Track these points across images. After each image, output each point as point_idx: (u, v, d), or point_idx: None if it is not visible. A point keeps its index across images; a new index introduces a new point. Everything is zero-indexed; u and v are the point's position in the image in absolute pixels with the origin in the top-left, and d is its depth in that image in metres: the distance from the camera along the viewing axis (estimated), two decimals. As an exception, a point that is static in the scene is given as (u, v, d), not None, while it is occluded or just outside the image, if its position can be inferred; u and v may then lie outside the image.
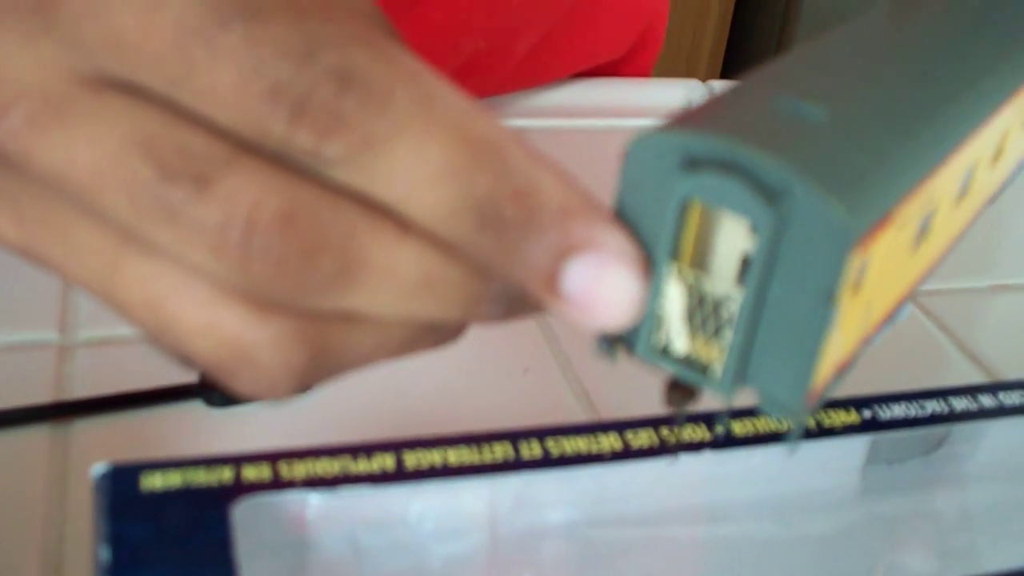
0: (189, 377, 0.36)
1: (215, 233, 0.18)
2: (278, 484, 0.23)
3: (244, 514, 0.22)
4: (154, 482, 0.23)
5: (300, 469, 0.23)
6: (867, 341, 0.19)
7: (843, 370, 0.18)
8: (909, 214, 0.18)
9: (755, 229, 0.16)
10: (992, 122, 0.20)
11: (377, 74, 0.17)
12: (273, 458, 0.23)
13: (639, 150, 0.17)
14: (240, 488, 0.23)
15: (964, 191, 0.20)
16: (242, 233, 0.18)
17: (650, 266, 0.18)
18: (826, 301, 0.16)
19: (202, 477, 0.23)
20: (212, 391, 0.36)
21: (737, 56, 2.35)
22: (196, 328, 0.19)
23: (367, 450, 0.24)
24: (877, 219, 0.17)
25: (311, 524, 0.23)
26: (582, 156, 0.55)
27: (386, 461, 0.23)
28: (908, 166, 0.18)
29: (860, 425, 0.28)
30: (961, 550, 0.28)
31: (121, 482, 0.23)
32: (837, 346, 0.17)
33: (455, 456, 0.24)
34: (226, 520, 0.22)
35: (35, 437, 0.35)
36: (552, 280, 0.17)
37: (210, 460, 0.23)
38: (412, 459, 0.24)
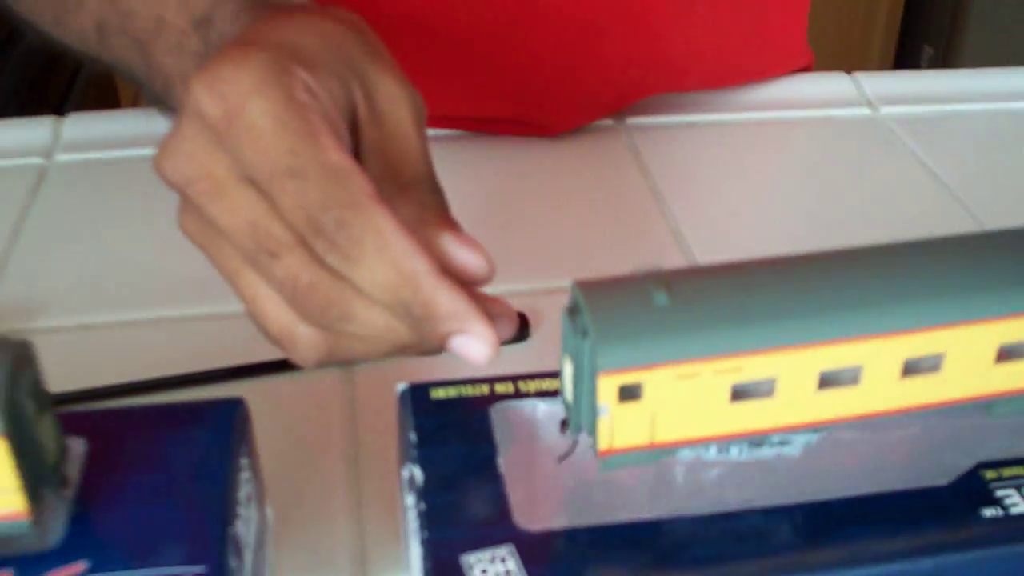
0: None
1: (277, 283, 0.34)
2: (518, 395, 0.35)
3: (495, 415, 0.35)
4: (439, 393, 0.35)
5: (532, 385, 0.35)
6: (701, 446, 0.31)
7: (655, 450, 0.31)
8: (695, 371, 0.29)
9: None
10: (863, 342, 0.30)
11: (358, 226, 0.32)
12: (515, 378, 0.35)
13: (571, 290, 0.30)
14: (493, 398, 0.35)
15: (830, 385, 0.31)
16: (290, 289, 0.34)
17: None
18: (593, 395, 0.29)
19: (469, 391, 0.35)
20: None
21: (911, 37, 2.35)
22: (271, 318, 0.35)
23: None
24: (645, 363, 0.29)
25: (539, 423, 0.35)
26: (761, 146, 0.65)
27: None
28: (702, 344, 0.29)
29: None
30: None
31: (417, 394, 0.35)
32: (623, 430, 0.30)
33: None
34: (487, 417, 0.34)
35: (329, 376, 0.48)
36: (444, 343, 0.34)
37: (473, 380, 0.35)
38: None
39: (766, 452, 0.32)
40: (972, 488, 0.33)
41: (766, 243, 0.56)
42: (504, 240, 0.55)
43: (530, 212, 0.60)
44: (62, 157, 0.65)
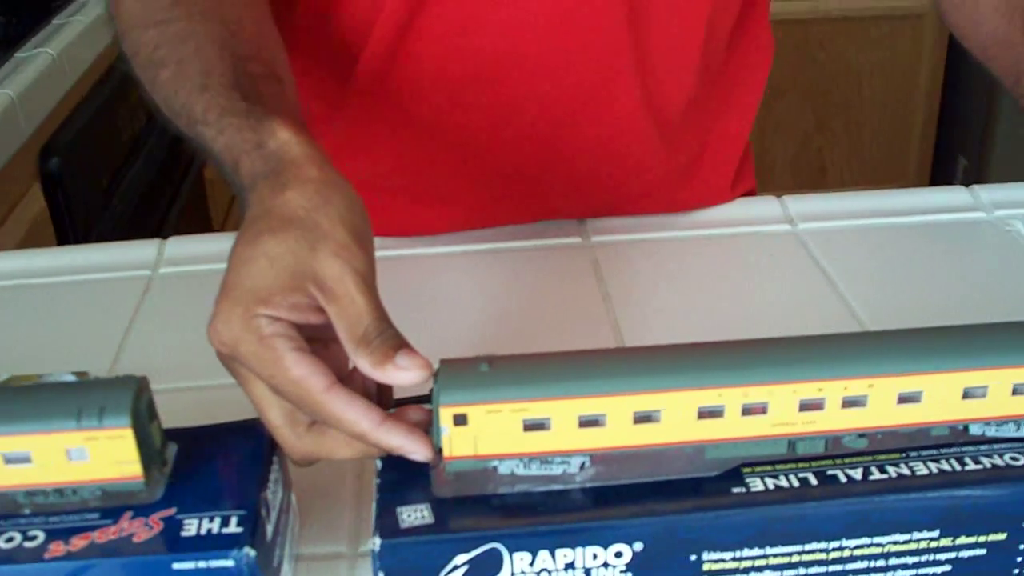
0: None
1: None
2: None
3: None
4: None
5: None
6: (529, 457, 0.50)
7: (479, 460, 0.49)
8: (499, 408, 0.48)
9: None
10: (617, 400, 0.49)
11: (321, 413, 0.49)
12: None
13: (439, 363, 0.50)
14: (434, 422, 0.55)
15: (587, 425, 0.49)
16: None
17: None
18: (438, 421, 0.49)
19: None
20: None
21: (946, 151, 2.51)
22: (267, 417, 0.51)
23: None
24: (468, 402, 0.48)
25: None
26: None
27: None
28: (501, 393, 0.48)
29: None
30: None
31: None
32: (458, 445, 0.49)
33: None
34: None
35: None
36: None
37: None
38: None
39: (555, 468, 0.50)
40: (732, 476, 0.51)
41: (681, 335, 0.74)
42: (484, 325, 0.75)
43: (509, 308, 0.79)
44: (164, 270, 0.86)
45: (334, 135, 0.83)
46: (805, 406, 0.50)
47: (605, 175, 0.86)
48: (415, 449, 0.49)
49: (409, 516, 0.49)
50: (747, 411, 0.50)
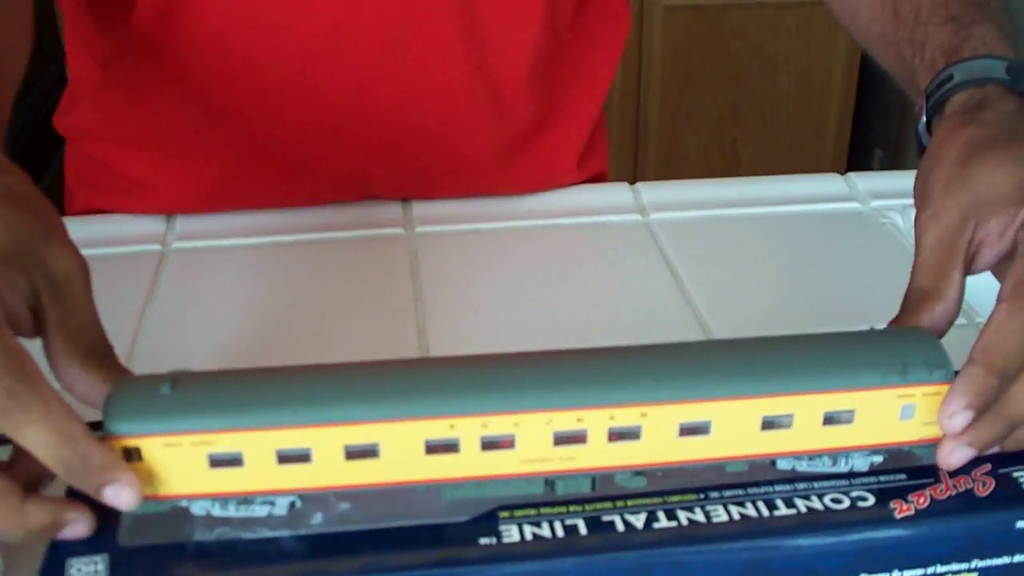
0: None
1: None
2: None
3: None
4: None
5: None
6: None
7: (162, 501, 0.41)
8: (177, 441, 0.40)
9: None
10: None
11: (27, 395, 0.39)
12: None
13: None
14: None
15: (288, 461, 0.41)
16: None
17: None
18: None
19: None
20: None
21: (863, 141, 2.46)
22: None
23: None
24: (140, 433, 0.40)
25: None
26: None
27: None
28: (181, 422, 0.40)
29: None
30: None
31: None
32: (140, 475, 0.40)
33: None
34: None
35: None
36: (97, 494, 0.40)
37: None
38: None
39: (258, 510, 0.42)
40: (484, 522, 0.43)
41: (495, 341, 0.66)
42: (269, 328, 0.67)
43: (303, 309, 0.70)
44: None
45: (105, 92, 0.75)
46: (562, 439, 0.42)
47: (422, 141, 0.77)
48: (72, 518, 0.41)
49: (79, 571, 0.40)
50: (489, 445, 0.42)
